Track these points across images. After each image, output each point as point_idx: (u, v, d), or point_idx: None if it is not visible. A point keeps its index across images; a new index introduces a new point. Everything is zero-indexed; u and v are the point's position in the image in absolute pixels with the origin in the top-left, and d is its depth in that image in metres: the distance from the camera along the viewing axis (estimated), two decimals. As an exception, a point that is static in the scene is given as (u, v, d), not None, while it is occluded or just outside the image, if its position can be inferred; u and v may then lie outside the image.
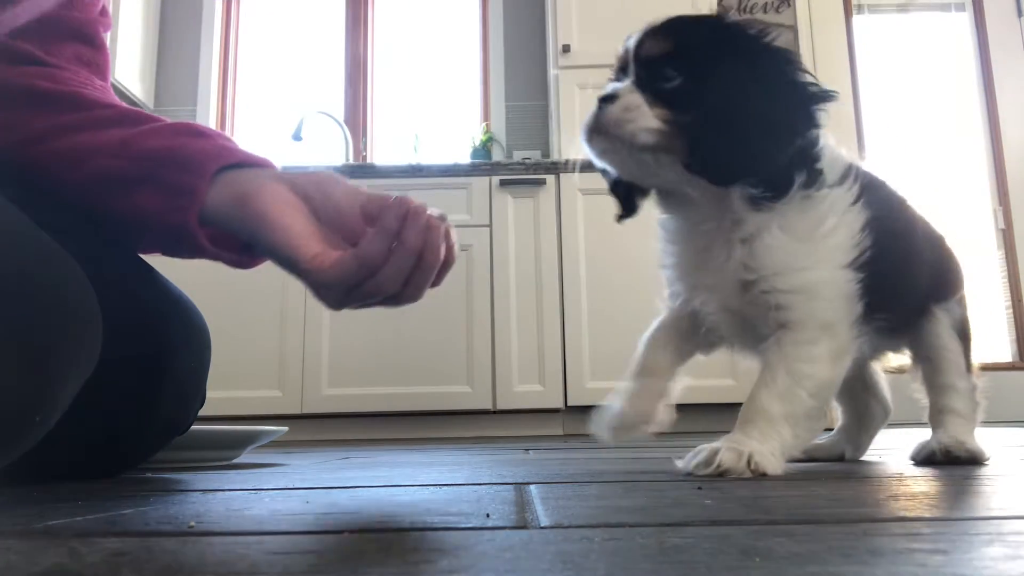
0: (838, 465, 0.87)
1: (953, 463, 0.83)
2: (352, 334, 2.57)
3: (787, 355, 0.73)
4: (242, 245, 0.75)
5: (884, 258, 0.76)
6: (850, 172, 0.76)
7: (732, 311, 0.77)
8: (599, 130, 0.73)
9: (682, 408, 0.82)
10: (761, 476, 0.69)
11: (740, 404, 0.76)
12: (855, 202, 0.75)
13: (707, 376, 2.02)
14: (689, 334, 0.83)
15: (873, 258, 0.75)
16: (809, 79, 0.73)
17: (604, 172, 0.79)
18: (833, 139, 0.78)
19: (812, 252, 0.73)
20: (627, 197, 0.81)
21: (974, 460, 0.83)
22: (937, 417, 0.88)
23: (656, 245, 0.83)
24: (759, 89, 0.71)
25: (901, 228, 0.84)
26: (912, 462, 0.87)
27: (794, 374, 0.72)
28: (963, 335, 0.90)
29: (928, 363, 0.90)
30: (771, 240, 0.73)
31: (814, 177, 0.73)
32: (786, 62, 0.73)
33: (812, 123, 0.72)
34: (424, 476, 0.78)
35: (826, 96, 0.72)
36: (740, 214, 0.73)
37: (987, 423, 0.91)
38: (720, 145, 0.69)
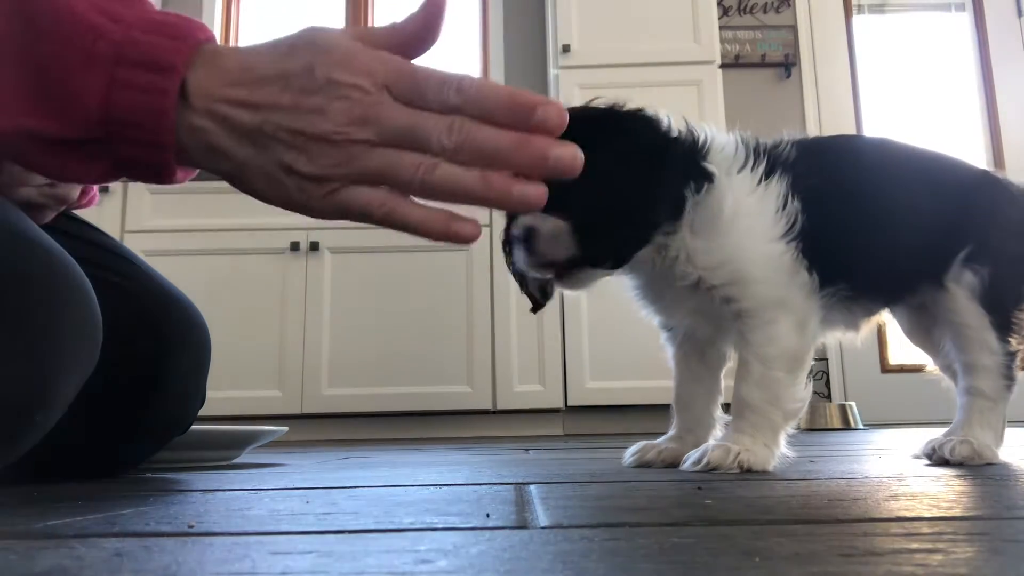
0: (838, 465, 0.87)
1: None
2: (352, 334, 2.57)
3: (751, 344, 0.77)
4: None
5: (825, 221, 0.78)
6: (750, 154, 0.79)
7: (698, 312, 0.82)
8: (535, 262, 0.76)
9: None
10: (750, 472, 0.72)
11: None
12: (765, 178, 0.78)
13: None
14: (704, 371, 0.89)
15: (811, 223, 0.77)
16: (654, 130, 0.76)
17: (519, 277, 0.83)
18: (710, 127, 0.81)
19: (725, 243, 0.76)
20: (540, 291, 0.85)
21: (987, 464, 0.82)
22: (963, 398, 0.86)
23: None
24: (617, 171, 0.73)
25: (851, 189, 0.82)
26: (926, 462, 0.85)
27: (763, 360, 0.76)
28: (993, 302, 0.84)
29: (952, 341, 0.87)
30: (691, 247, 0.77)
31: (700, 181, 0.77)
32: (629, 127, 0.76)
33: (675, 173, 0.75)
34: (424, 476, 0.78)
35: (675, 143, 0.76)
36: (660, 242, 0.78)
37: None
38: (602, 240, 0.74)
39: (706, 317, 0.82)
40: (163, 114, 0.48)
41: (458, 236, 0.50)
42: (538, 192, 0.49)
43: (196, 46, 0.49)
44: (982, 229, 0.86)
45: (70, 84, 0.47)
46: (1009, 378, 0.85)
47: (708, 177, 0.76)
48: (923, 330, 0.94)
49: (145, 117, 0.48)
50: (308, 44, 0.49)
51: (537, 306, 0.86)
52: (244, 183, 0.51)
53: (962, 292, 0.85)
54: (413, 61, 0.53)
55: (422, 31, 0.53)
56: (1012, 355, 0.85)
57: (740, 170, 0.78)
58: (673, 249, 0.77)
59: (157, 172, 0.51)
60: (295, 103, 0.48)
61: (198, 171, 0.55)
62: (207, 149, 0.49)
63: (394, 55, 0.51)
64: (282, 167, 0.49)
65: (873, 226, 0.83)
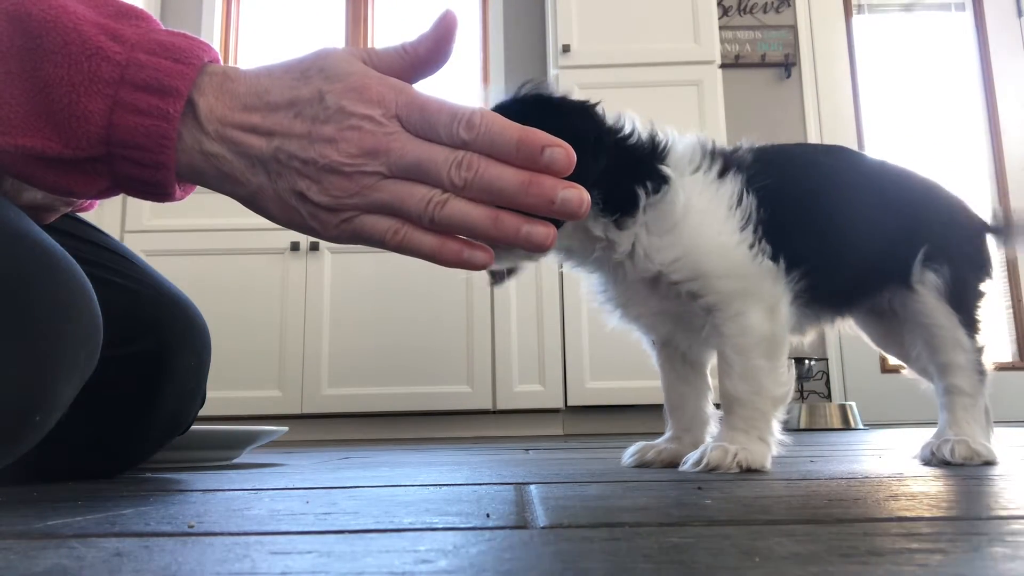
0: (838, 465, 0.87)
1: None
2: (352, 334, 2.57)
3: (727, 337, 0.78)
4: None
5: (779, 219, 0.79)
6: (706, 157, 0.81)
7: (661, 312, 0.82)
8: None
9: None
10: (750, 471, 0.73)
11: None
12: (719, 178, 0.79)
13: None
14: (689, 371, 0.89)
15: (767, 218, 0.78)
16: (589, 118, 0.75)
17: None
18: (676, 131, 0.83)
19: (679, 238, 0.77)
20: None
21: (987, 463, 0.82)
22: (943, 398, 0.88)
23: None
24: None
25: (804, 191, 0.85)
26: (921, 462, 0.85)
27: (741, 351, 0.77)
28: (958, 301, 0.87)
29: (924, 343, 0.89)
30: (646, 244, 0.78)
31: (657, 181, 0.78)
32: (564, 109, 0.75)
33: (600, 150, 0.74)
34: (424, 476, 0.78)
35: (604, 129, 0.75)
36: (610, 238, 0.79)
37: (987, 423, 0.90)
38: None
39: (669, 317, 0.83)
40: (165, 137, 0.48)
41: (471, 264, 0.51)
42: (545, 232, 0.49)
43: (200, 68, 0.49)
44: (937, 232, 0.89)
45: (73, 105, 0.47)
46: (982, 373, 0.88)
47: (663, 179, 0.78)
48: (893, 337, 0.96)
49: (147, 140, 0.48)
50: (320, 70, 0.50)
51: (496, 281, 0.85)
52: (258, 208, 0.52)
53: (929, 293, 0.87)
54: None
55: (433, 53, 0.53)
56: (981, 351, 0.88)
57: (695, 171, 0.80)
58: (624, 245, 0.78)
59: (157, 191, 0.51)
60: (307, 131, 0.48)
61: (197, 187, 0.55)
62: (221, 176, 0.50)
63: (405, 83, 0.51)
64: (295, 195, 0.49)
65: (827, 228, 0.84)
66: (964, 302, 0.88)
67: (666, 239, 0.77)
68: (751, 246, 0.77)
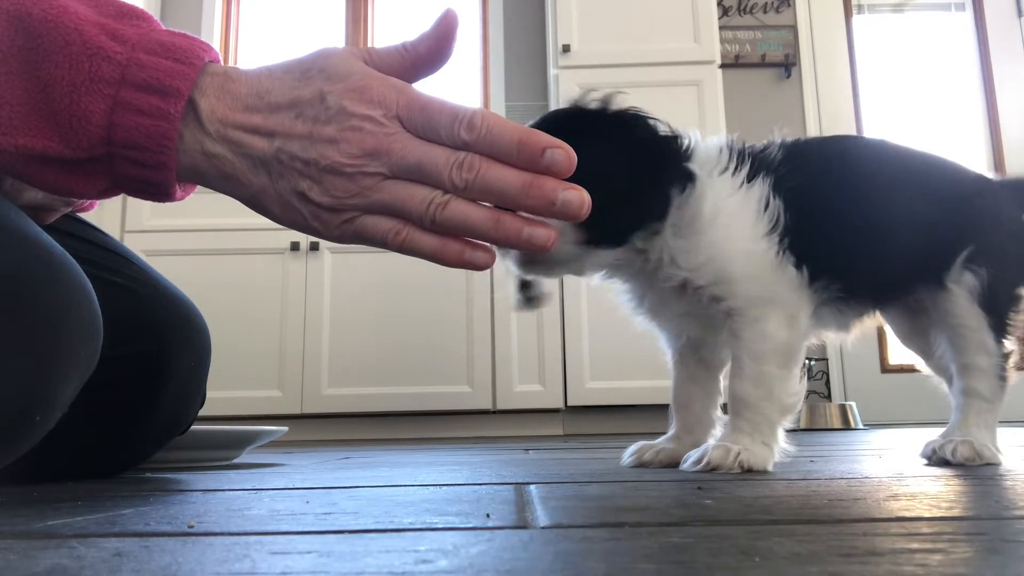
0: (838, 465, 0.87)
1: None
2: (352, 334, 2.57)
3: (743, 341, 0.78)
4: None
5: (809, 220, 0.78)
6: (733, 157, 0.80)
7: (687, 315, 0.82)
8: (530, 260, 0.76)
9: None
10: (750, 472, 0.72)
11: None
12: (748, 180, 0.79)
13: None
14: (702, 373, 0.89)
15: (795, 222, 0.77)
16: (658, 131, 0.77)
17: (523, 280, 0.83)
18: (698, 131, 0.82)
19: (706, 243, 0.77)
20: (531, 293, 0.84)
21: (988, 465, 0.82)
22: (959, 399, 0.87)
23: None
24: (620, 161, 0.75)
25: (839, 188, 0.83)
26: (924, 462, 0.85)
27: (755, 356, 0.77)
28: (991, 303, 0.85)
29: (948, 342, 0.87)
30: (673, 248, 0.78)
31: (683, 183, 0.77)
32: (630, 123, 0.76)
33: (678, 170, 0.76)
34: (424, 476, 0.78)
35: (675, 142, 0.77)
36: (642, 246, 0.79)
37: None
38: (607, 218, 0.71)
39: (695, 319, 0.83)
40: (166, 137, 0.48)
41: (472, 264, 0.52)
42: (546, 234, 0.50)
43: (201, 68, 0.49)
44: (985, 231, 0.86)
45: (74, 105, 0.48)
46: (1003, 379, 0.86)
47: (690, 178, 0.77)
48: (919, 332, 0.94)
49: (148, 140, 0.48)
50: (321, 70, 0.50)
51: (531, 304, 0.85)
52: (259, 208, 0.52)
53: (962, 293, 0.85)
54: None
55: (434, 52, 0.53)
56: (1006, 356, 0.86)
57: (722, 172, 0.79)
58: (655, 251, 0.78)
59: (157, 192, 0.52)
60: (308, 132, 0.49)
61: (197, 187, 0.55)
62: (223, 176, 0.50)
63: (406, 83, 0.51)
64: (296, 195, 0.50)
65: (862, 224, 0.83)
66: (997, 304, 0.85)
67: (692, 241, 0.77)
68: (776, 254, 0.76)
